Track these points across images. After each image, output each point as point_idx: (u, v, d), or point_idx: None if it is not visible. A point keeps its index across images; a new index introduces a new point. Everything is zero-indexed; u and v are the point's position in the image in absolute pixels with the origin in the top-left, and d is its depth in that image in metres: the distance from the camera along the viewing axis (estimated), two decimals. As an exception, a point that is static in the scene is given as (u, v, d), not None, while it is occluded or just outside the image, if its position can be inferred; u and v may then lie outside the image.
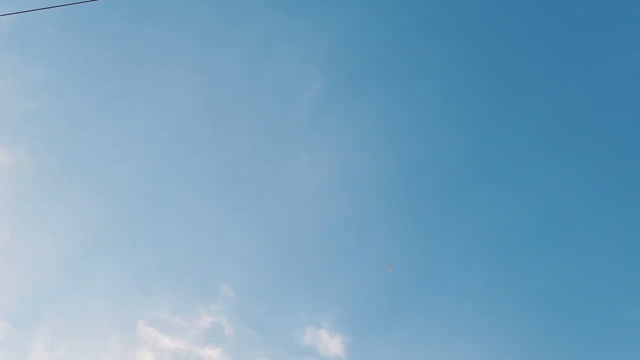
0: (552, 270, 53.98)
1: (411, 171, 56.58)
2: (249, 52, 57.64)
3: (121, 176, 54.06)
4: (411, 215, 56.42)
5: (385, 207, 56.20)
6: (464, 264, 54.56)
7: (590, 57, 54.98)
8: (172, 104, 55.94)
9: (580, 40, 55.09)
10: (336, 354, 53.07)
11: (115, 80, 54.06)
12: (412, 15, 57.57)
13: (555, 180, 54.50)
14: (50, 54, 52.95)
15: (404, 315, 54.88)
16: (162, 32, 56.58)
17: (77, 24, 54.06)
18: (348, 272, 56.53)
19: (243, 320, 56.69)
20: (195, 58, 56.55)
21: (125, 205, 54.54)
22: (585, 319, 52.63)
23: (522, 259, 54.52)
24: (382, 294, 56.11)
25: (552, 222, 54.75)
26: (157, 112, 55.04)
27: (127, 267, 54.83)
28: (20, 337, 49.50)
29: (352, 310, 56.81)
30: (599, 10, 53.74)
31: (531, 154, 55.88)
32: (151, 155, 55.36)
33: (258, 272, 58.98)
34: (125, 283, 54.33)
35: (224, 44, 57.67)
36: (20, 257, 51.04)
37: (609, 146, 54.47)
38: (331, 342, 53.70)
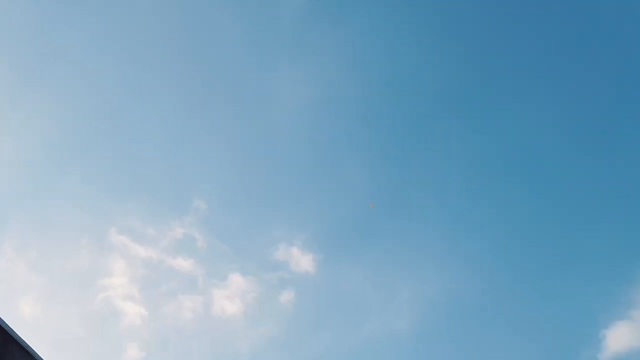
0: (521, 201, 53.63)
1: (393, 95, 54.98)
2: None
3: (93, 79, 49.78)
4: (390, 140, 55.35)
5: (364, 130, 55.15)
6: (437, 192, 54.07)
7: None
8: (148, 9, 50.04)
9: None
10: (307, 271, 52.39)
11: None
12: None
13: (528, 114, 53.82)
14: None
15: (375, 238, 54.38)
16: None
17: None
18: (324, 193, 55.42)
19: (216, 233, 55.44)
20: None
21: (97, 110, 50.63)
22: (551, 246, 52.01)
23: (494, 188, 54.10)
24: (356, 216, 55.37)
25: (523, 153, 54.48)
26: (131, 17, 50.14)
27: (98, 174, 52.36)
28: (-11, 238, 46.81)
29: (325, 230, 55.87)
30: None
31: (507, 90, 54.53)
32: (126, 61, 51.00)
33: (233, 187, 57.28)
34: (96, 190, 52.62)
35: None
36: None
37: (577, 83, 53.53)
38: (303, 259, 52.94)
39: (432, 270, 51.71)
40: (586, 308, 48.02)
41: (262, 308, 51.59)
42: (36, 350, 10.89)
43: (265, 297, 51.67)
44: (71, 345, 44.55)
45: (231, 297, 51.34)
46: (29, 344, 10.61)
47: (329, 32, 53.82)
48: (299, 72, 53.32)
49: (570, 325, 47.79)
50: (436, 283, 50.56)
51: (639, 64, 51.77)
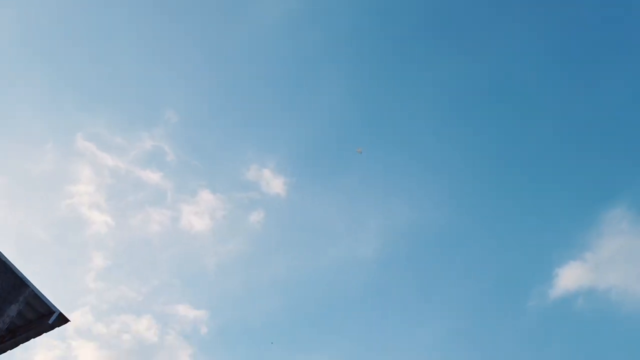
0: (489, 138, 55.26)
1: (377, 15, 54.12)
2: None
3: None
4: (369, 64, 55.21)
5: (344, 50, 54.86)
6: (412, 125, 55.11)
7: None
8: None
9: None
10: (277, 193, 54.11)
11: None
12: None
13: (509, 44, 53.98)
14: None
15: (346, 166, 55.84)
16: None
17: None
18: (300, 117, 56.12)
19: (186, 148, 55.97)
20: None
21: (67, 11, 48.84)
22: (515, 184, 54.57)
23: (464, 125, 55.41)
24: (330, 143, 56.42)
25: (500, 85, 55.33)
26: None
27: (66, 77, 52.00)
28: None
29: (299, 155, 57.02)
30: None
31: (488, 19, 54.28)
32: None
33: (207, 103, 57.22)
34: (63, 94, 51.91)
35: None
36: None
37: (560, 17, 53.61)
38: (274, 182, 54.56)
39: (399, 202, 52.87)
40: (543, 246, 50.48)
41: (231, 226, 52.15)
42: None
43: (234, 215, 52.09)
44: (35, 250, 44.37)
45: (200, 213, 51.42)
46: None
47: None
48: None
49: (527, 260, 50.35)
50: (402, 214, 51.86)
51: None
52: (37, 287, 11.28)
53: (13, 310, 10.77)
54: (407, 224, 51.81)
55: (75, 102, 50.59)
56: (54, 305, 11.33)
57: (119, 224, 51.31)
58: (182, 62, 52.96)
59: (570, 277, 48.11)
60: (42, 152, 47.78)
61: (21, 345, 11.43)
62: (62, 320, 11.48)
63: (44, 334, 11.52)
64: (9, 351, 11.52)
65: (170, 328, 48.77)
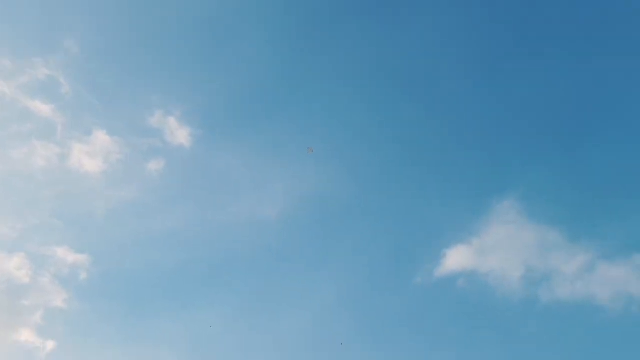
0: (408, 115, 57.24)
1: None
2: None
3: None
4: (293, 24, 54.24)
5: (269, 8, 53.05)
6: (330, 90, 55.40)
7: None
8: None
9: None
10: (181, 144, 52.45)
11: None
12: None
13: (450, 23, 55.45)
14: None
15: (258, 125, 55.15)
16: None
17: None
18: (216, 65, 53.99)
19: (85, 83, 52.33)
20: None
21: None
22: (422, 165, 57.66)
23: (381, 98, 56.84)
24: (244, 98, 55.34)
25: (415, 76, 56.93)
26: None
27: None
28: None
29: (209, 106, 55.43)
30: None
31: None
32: None
33: (115, 36, 53.16)
34: None
35: None
36: None
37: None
38: (179, 132, 52.82)
39: (308, 166, 52.58)
40: (436, 227, 52.89)
41: (126, 171, 49.03)
42: None
43: (132, 161, 48.96)
44: None
45: (92, 154, 47.77)
46: None
47: None
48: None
49: (420, 239, 52.52)
50: (309, 179, 51.68)
51: None
52: None
53: None
54: (312, 190, 51.90)
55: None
56: None
57: (0, 155, 46.40)
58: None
59: (456, 258, 50.90)
60: None
61: None
62: None
63: None
64: None
65: (45, 270, 45.25)
